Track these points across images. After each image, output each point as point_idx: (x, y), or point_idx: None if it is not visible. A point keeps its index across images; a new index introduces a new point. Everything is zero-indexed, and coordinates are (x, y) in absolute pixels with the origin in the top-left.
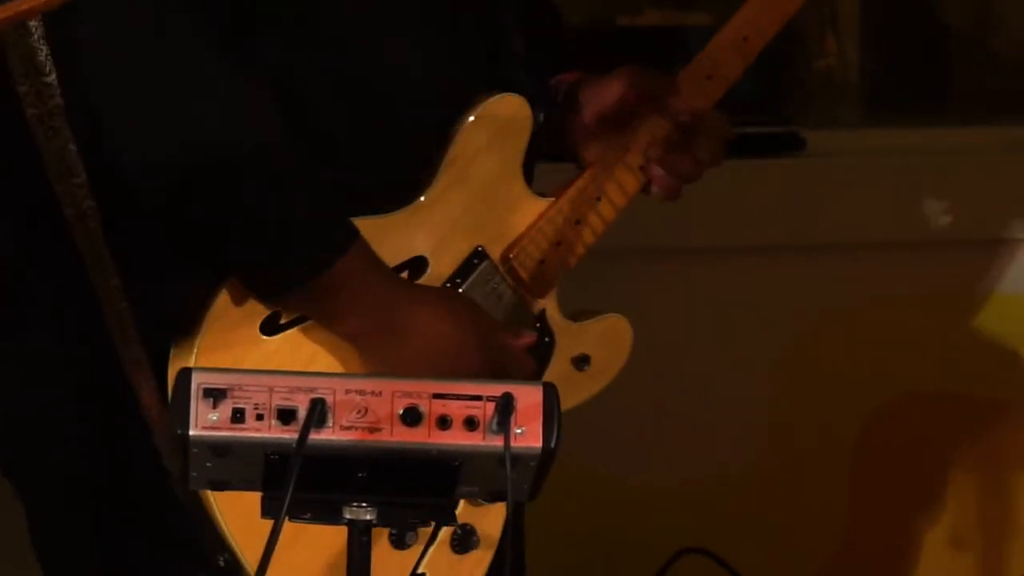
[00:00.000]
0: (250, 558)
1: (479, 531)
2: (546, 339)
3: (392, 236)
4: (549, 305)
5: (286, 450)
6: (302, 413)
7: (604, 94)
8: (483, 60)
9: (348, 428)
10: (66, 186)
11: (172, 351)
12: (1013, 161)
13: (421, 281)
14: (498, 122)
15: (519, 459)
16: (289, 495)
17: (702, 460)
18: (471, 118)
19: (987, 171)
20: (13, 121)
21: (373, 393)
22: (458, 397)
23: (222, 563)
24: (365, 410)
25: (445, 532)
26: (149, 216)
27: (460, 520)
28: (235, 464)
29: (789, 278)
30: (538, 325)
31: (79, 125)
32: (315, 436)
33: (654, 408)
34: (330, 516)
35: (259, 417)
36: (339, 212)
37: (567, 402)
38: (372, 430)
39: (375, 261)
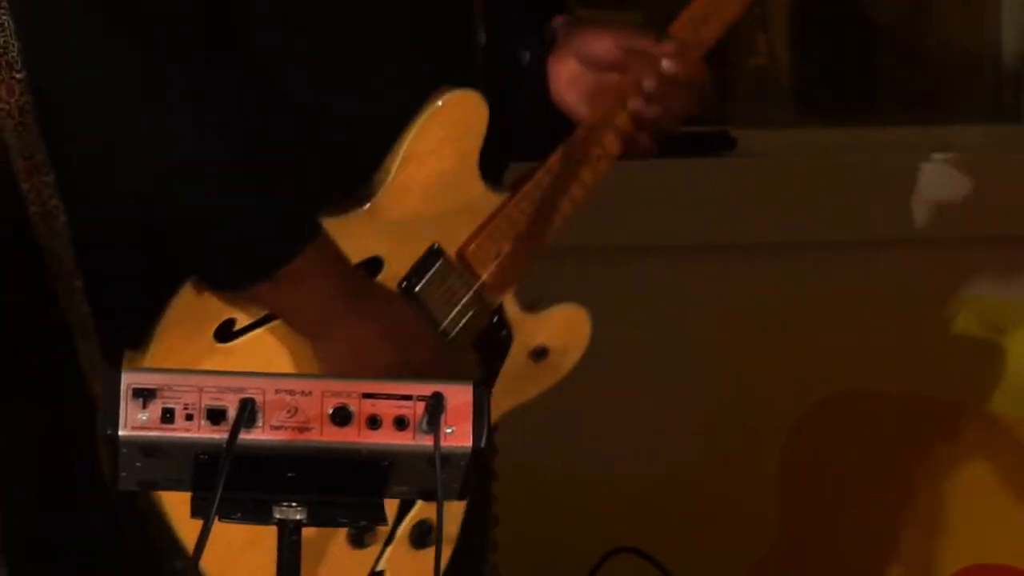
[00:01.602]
0: (205, 563)
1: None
2: (503, 333)
3: (348, 237)
4: (507, 299)
5: (216, 450)
6: (232, 413)
7: (592, 44)
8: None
9: (278, 428)
10: (33, 183)
11: (124, 362)
12: (942, 160)
13: (377, 281)
14: (453, 119)
15: (449, 459)
16: (219, 495)
17: (633, 459)
18: (425, 115)
19: (917, 170)
20: None
21: (303, 393)
22: (388, 397)
23: (178, 568)
24: (295, 410)
25: (404, 529)
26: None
27: (419, 517)
28: (165, 464)
29: (720, 278)
30: (496, 319)
31: (46, 124)
32: (245, 436)
33: (583, 407)
34: (260, 516)
35: (189, 417)
36: (302, 208)
37: (525, 394)
38: (302, 430)
39: (337, 253)
